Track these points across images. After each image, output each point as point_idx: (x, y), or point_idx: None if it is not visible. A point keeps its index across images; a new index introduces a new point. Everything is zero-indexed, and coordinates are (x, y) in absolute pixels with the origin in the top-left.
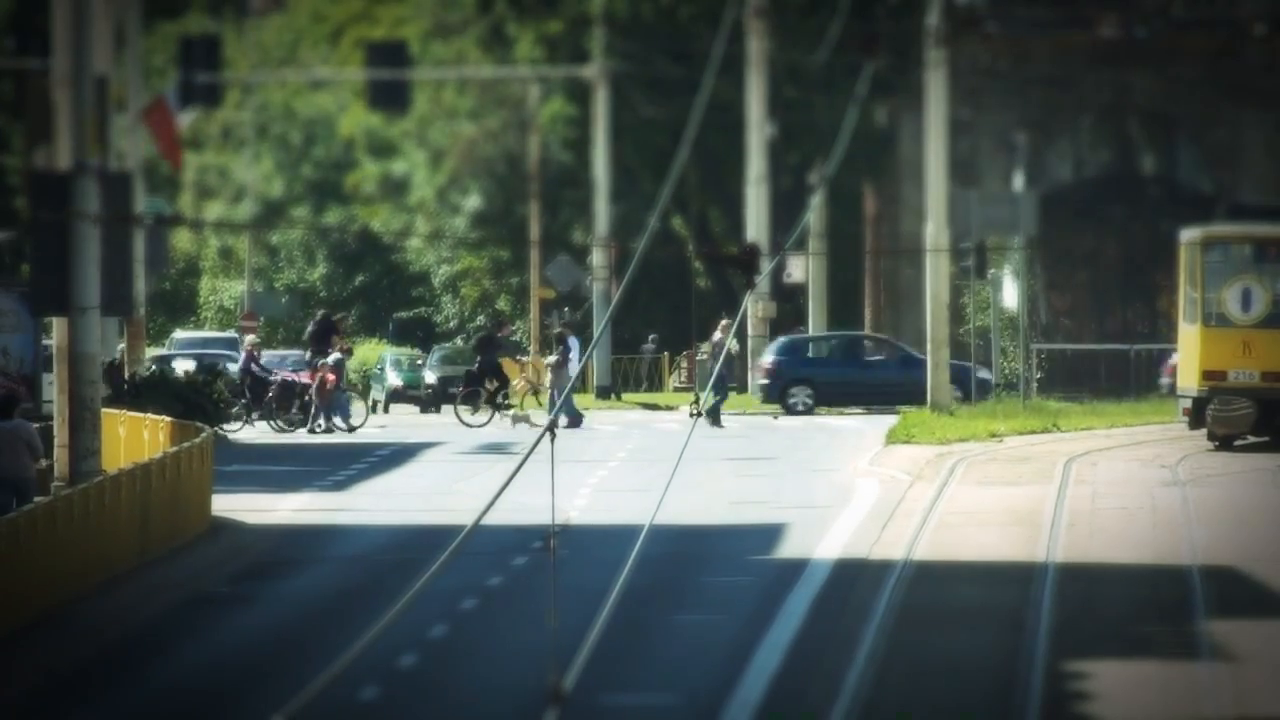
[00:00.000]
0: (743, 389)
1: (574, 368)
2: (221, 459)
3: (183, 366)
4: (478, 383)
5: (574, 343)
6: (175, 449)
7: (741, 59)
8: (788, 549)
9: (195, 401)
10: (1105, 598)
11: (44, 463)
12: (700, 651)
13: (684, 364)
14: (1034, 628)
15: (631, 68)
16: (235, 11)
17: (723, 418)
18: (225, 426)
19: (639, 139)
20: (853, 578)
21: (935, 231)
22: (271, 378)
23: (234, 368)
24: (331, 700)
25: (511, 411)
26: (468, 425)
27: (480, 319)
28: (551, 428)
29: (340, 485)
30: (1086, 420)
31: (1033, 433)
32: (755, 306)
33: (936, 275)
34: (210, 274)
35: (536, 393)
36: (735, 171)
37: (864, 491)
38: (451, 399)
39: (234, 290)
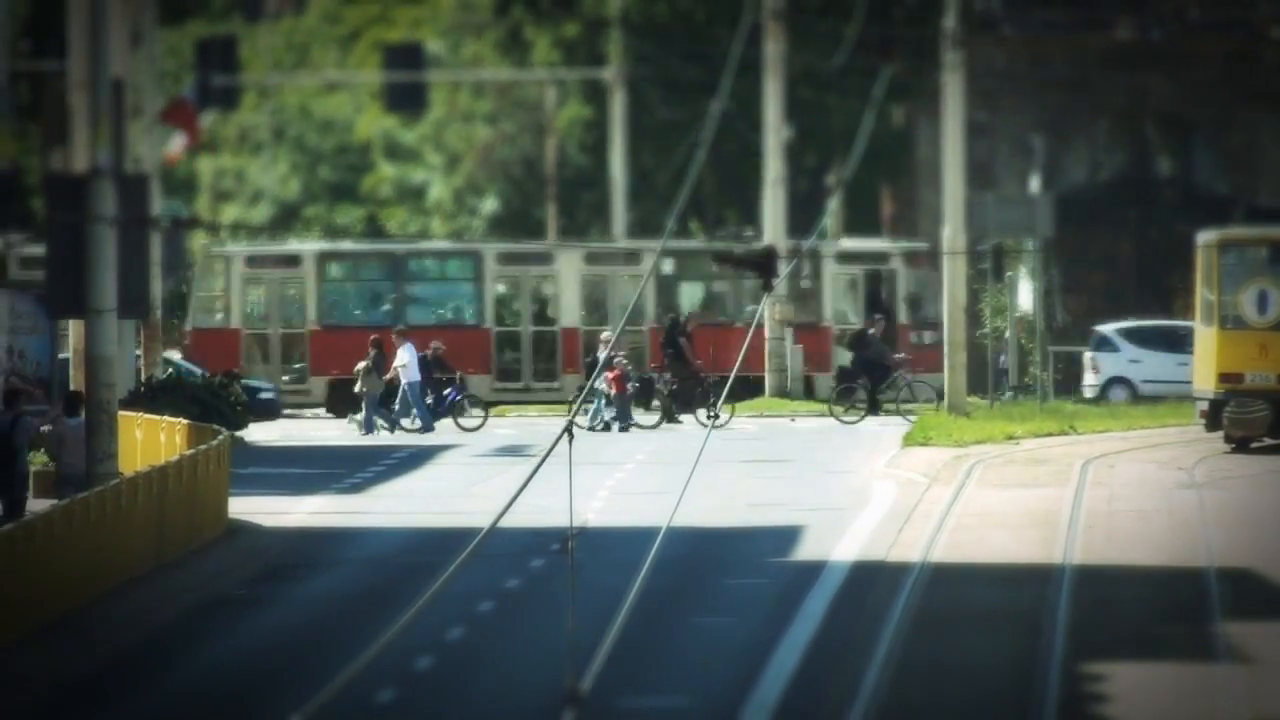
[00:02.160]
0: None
1: (412, 372)
2: (238, 461)
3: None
4: (851, 379)
5: (409, 350)
6: (192, 451)
7: (759, 61)
8: (805, 551)
9: (212, 404)
10: (1122, 600)
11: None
12: (717, 653)
13: None
14: (1050, 630)
15: (649, 70)
16: (245, 15)
17: (742, 418)
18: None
19: (656, 141)
20: (870, 580)
21: (952, 234)
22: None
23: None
24: (349, 702)
25: (352, 416)
26: (843, 423)
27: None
28: (569, 429)
29: (357, 488)
30: (1103, 422)
31: (1049, 435)
32: (773, 309)
33: (953, 277)
34: None
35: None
36: (752, 174)
37: (881, 494)
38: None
39: None
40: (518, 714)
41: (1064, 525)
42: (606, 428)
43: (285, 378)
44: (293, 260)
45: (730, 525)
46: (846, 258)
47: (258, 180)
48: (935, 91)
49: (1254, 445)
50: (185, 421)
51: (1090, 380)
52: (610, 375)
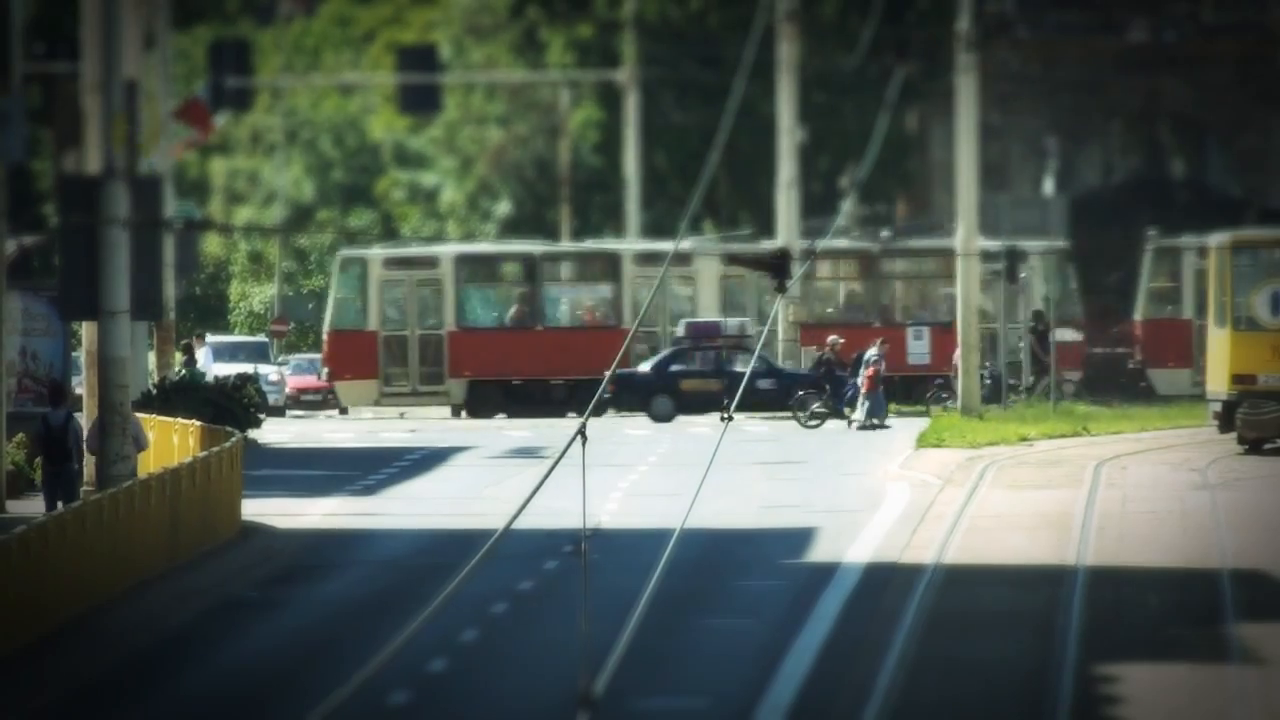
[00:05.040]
0: None
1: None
2: (251, 463)
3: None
4: None
5: (207, 353)
6: (205, 453)
7: (772, 64)
8: (818, 553)
9: (225, 406)
10: (1135, 601)
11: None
12: (731, 655)
13: None
14: (1064, 631)
15: (662, 72)
16: (256, 19)
17: (756, 420)
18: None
19: (670, 143)
20: (883, 582)
21: (966, 235)
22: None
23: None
24: (362, 704)
25: None
26: None
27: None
28: (582, 432)
29: (370, 490)
30: (1116, 424)
31: (1063, 437)
32: (786, 311)
33: (967, 279)
34: (240, 278)
35: None
36: (766, 176)
37: (894, 496)
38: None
39: (264, 294)
40: (531, 715)
41: (1077, 527)
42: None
43: None
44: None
45: (744, 527)
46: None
47: (271, 182)
48: (949, 94)
49: (1267, 446)
50: (198, 423)
51: None
52: (866, 373)
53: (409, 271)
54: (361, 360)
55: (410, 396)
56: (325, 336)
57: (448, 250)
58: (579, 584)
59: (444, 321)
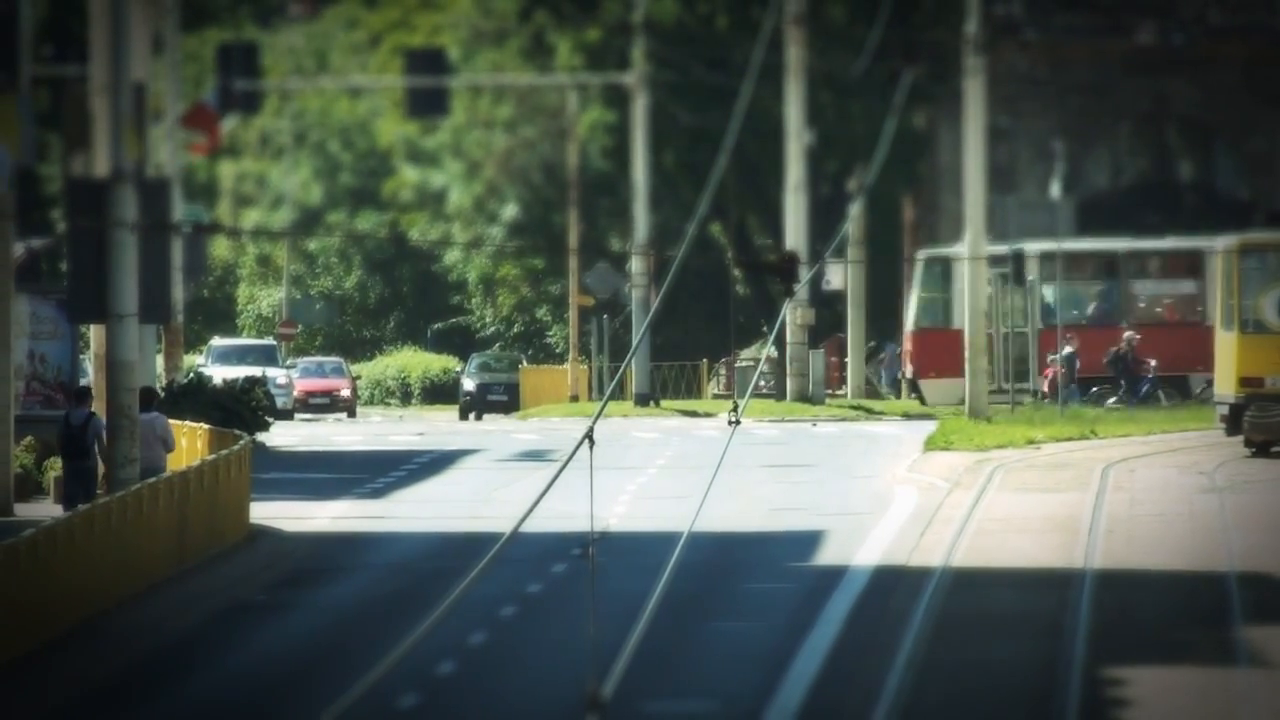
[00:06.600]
0: (781, 395)
1: None
2: (260, 467)
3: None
4: None
5: None
6: (213, 457)
7: (780, 67)
8: (826, 556)
9: (233, 409)
10: (1143, 604)
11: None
12: (739, 658)
13: (722, 371)
14: (1072, 634)
15: (671, 75)
16: (259, 21)
17: (764, 423)
18: None
19: (678, 146)
20: (891, 584)
21: (974, 238)
22: None
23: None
24: (371, 707)
25: None
26: None
27: (517, 326)
28: (590, 435)
29: (379, 493)
30: (1124, 427)
31: (1070, 440)
32: (794, 314)
33: (975, 282)
34: (248, 281)
35: None
36: (774, 179)
37: (902, 498)
38: (490, 406)
39: (272, 297)
40: (540, 718)
41: (1085, 530)
42: None
43: None
44: None
45: (752, 530)
46: None
47: (279, 185)
48: (957, 96)
49: (1274, 449)
50: (207, 427)
51: None
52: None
53: (993, 270)
54: (946, 359)
55: (997, 394)
56: (908, 335)
57: (1030, 248)
58: (587, 587)
59: (1029, 320)
